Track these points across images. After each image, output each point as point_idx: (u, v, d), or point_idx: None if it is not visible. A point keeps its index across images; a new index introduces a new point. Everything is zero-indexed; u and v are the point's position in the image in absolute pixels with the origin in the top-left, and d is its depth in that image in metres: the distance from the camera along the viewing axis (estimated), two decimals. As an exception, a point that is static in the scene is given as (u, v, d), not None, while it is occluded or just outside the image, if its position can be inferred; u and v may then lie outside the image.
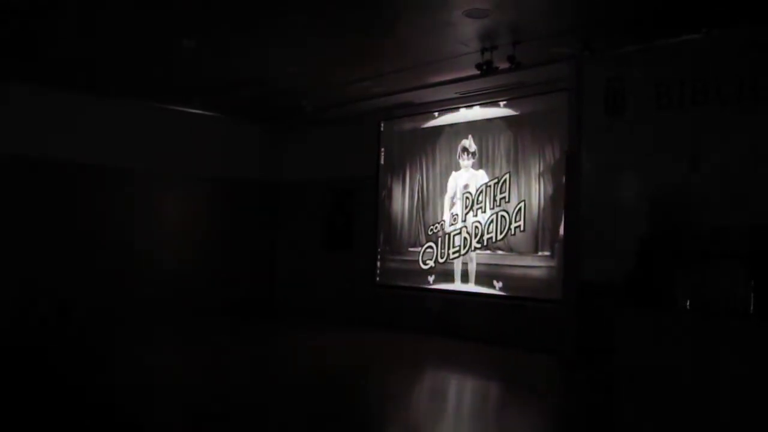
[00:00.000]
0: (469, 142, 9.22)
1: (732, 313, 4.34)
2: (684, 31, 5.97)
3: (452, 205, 9.36)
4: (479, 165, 9.03)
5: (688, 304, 4.57)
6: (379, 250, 10.43)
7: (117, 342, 8.26)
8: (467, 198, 9.09)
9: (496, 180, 8.75)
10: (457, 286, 9.16)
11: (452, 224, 9.29)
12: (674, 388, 4.52)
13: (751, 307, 4.25)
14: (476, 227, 8.93)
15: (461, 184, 9.27)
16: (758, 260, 4.34)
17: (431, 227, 9.62)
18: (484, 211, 8.85)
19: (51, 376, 6.12)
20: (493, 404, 6.11)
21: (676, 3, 5.64)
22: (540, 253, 8.21)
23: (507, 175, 8.63)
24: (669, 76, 5.98)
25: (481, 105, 9.08)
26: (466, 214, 9.08)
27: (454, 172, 9.40)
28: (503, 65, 7.12)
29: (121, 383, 5.98)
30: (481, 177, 8.97)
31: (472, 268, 8.99)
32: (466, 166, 9.23)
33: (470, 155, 9.19)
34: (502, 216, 8.62)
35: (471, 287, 8.98)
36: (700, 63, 5.83)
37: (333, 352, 7.99)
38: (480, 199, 8.92)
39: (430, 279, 9.56)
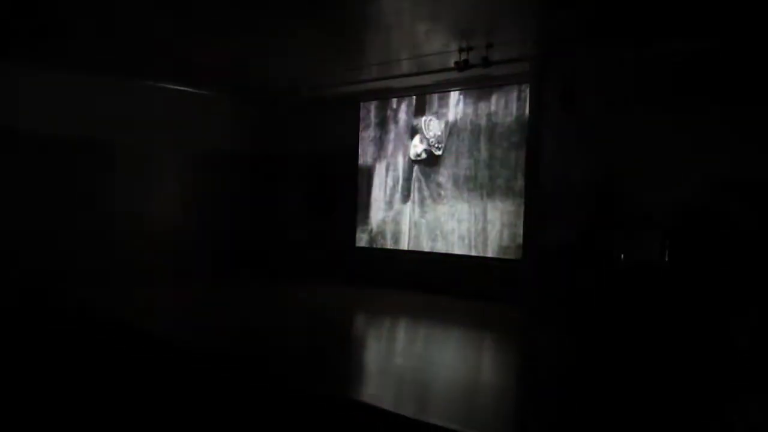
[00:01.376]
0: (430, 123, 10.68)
1: (653, 264, 5.91)
2: (629, 40, 7.40)
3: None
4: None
5: (621, 256, 6.11)
6: (357, 216, 11.82)
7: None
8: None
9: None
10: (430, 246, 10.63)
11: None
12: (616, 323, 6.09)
13: (666, 259, 5.82)
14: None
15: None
16: (673, 228, 5.90)
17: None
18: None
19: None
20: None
21: (623, 15, 6.95)
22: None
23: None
24: (614, 80, 7.45)
25: (456, 91, 10.41)
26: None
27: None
28: (477, 62, 8.43)
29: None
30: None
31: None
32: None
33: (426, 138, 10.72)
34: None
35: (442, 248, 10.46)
36: (642, 69, 7.30)
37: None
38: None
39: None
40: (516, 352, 6.95)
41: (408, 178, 11.06)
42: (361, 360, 6.41)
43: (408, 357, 6.41)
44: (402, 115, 11.25)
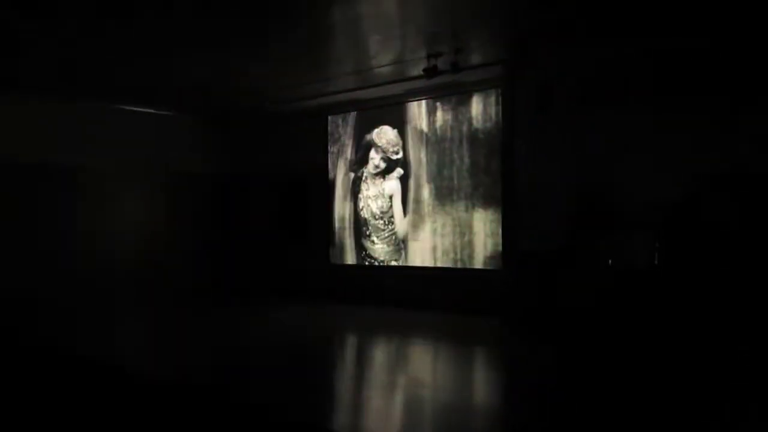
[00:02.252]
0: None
1: (642, 267, 5.67)
2: (607, 41, 7.22)
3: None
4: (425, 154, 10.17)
5: (610, 262, 5.85)
6: (331, 235, 11.44)
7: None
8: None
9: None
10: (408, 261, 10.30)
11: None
12: (602, 330, 5.82)
13: (655, 261, 5.57)
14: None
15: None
16: (662, 229, 5.67)
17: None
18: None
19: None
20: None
21: (597, 14, 6.78)
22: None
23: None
24: (591, 79, 7.25)
25: (426, 100, 10.14)
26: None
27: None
28: (446, 68, 8.18)
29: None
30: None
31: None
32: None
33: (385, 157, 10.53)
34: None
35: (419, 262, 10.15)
36: (619, 69, 7.12)
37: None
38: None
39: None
40: (497, 368, 6.65)
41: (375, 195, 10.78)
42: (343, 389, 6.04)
43: (387, 383, 6.07)
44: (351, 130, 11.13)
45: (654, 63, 6.89)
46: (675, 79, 6.75)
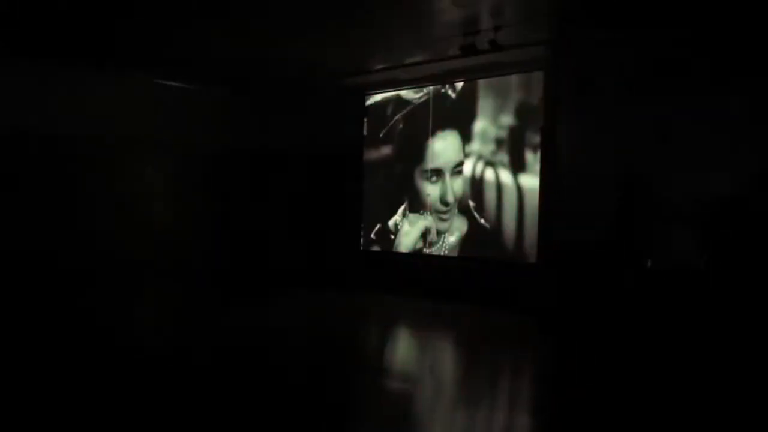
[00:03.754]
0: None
1: (687, 271, 5.13)
2: (653, 21, 6.62)
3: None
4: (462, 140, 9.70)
5: (648, 263, 5.33)
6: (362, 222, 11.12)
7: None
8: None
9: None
10: (442, 250, 9.90)
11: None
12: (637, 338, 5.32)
13: (702, 265, 5.03)
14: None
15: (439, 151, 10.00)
16: (710, 227, 5.12)
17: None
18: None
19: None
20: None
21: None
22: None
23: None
24: (638, 60, 6.66)
25: (461, 82, 9.65)
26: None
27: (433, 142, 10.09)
28: (484, 47, 7.70)
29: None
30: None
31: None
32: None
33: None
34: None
35: (455, 251, 9.73)
36: (667, 51, 6.51)
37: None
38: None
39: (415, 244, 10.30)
40: (529, 371, 6.23)
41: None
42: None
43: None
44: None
45: (707, 50, 6.26)
46: (728, 69, 6.11)
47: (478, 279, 9.26)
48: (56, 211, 9.91)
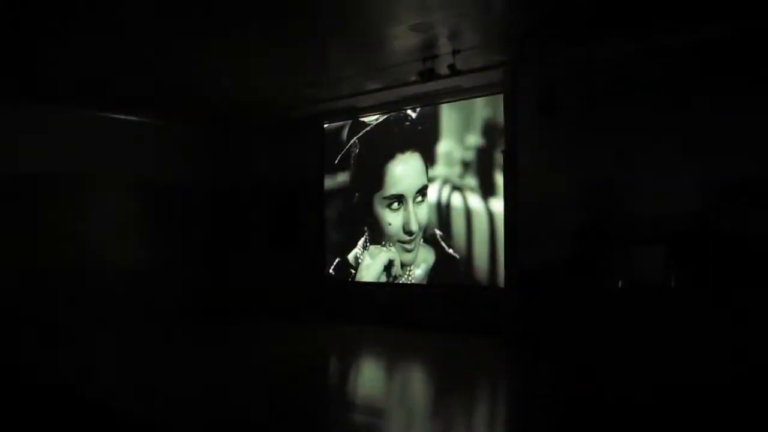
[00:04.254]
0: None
1: (656, 289, 5.04)
2: (611, 39, 6.67)
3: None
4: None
5: (619, 283, 5.23)
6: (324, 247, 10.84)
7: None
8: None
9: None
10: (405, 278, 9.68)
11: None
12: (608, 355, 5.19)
13: (672, 283, 4.95)
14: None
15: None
16: (678, 243, 5.05)
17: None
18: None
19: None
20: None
21: (602, 12, 6.27)
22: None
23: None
24: (597, 80, 6.68)
25: (421, 107, 9.56)
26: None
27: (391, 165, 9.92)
28: (443, 71, 7.65)
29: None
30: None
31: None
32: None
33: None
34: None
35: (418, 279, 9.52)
36: (626, 68, 6.54)
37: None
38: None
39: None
40: (502, 395, 6.04)
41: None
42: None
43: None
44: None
45: (668, 68, 6.31)
46: (689, 88, 6.17)
47: (446, 306, 9.07)
48: (17, 249, 9.56)
